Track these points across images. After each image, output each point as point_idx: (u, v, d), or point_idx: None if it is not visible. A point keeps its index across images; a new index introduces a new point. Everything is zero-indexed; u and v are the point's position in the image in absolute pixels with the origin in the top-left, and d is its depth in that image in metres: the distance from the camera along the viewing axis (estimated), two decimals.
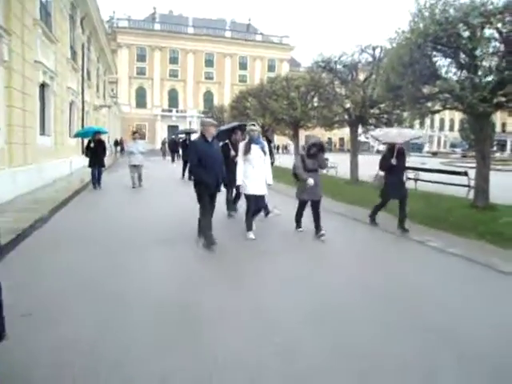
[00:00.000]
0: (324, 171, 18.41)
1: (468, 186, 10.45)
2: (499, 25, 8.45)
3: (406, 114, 13.15)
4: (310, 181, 6.13)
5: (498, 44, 8.67)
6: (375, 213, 7.39)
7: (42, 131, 12.38)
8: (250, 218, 6.22)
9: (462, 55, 9.23)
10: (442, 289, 4.28)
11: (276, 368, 2.62)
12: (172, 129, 56.96)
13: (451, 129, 76.95)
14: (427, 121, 65.19)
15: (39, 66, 11.30)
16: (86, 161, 12.86)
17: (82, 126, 18.56)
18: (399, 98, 9.74)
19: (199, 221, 5.83)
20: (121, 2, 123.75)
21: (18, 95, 9.49)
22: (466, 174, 10.77)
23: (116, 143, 35.42)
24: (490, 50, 8.80)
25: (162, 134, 54.40)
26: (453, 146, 60.70)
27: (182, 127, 57.42)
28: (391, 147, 7.03)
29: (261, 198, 6.32)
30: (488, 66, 8.95)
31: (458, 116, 68.54)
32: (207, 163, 5.41)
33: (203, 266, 4.85)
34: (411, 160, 17.65)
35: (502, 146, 61.35)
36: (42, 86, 12.20)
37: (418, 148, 58.43)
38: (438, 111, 10.08)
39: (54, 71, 13.01)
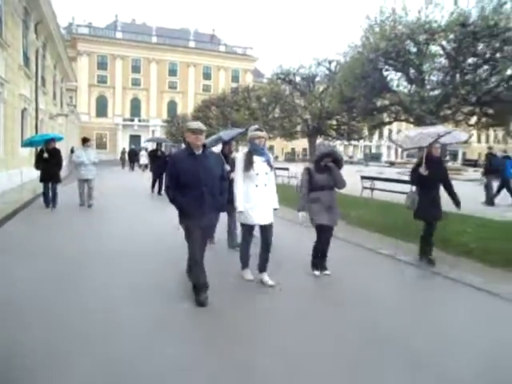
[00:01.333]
0: (280, 180, 18.58)
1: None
2: (443, 42, 8.99)
3: (361, 126, 13.65)
4: (300, 215, 4.88)
5: (442, 60, 9.22)
6: (428, 246, 5.63)
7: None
8: (247, 250, 4.72)
9: (411, 70, 9.71)
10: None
11: None
12: (134, 138, 55.92)
13: None
14: (384, 131, 67.76)
15: None
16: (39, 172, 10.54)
17: (36, 134, 17.78)
18: (353, 110, 10.09)
19: (188, 266, 4.29)
20: (80, 8, 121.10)
21: None
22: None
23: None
24: (436, 65, 9.33)
25: (123, 143, 53.14)
26: (409, 155, 63.46)
27: (144, 137, 56.63)
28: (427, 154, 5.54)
29: (269, 227, 4.57)
30: (435, 80, 9.48)
31: (412, 128, 71.61)
32: (192, 185, 3.83)
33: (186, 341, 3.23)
34: (369, 169, 18.28)
35: (454, 156, 65.10)
36: None
37: (376, 158, 60.50)
38: (389, 123, 10.53)
39: (4, 78, 12.47)
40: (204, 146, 3.97)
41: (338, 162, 4.98)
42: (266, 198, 4.49)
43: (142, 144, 52.01)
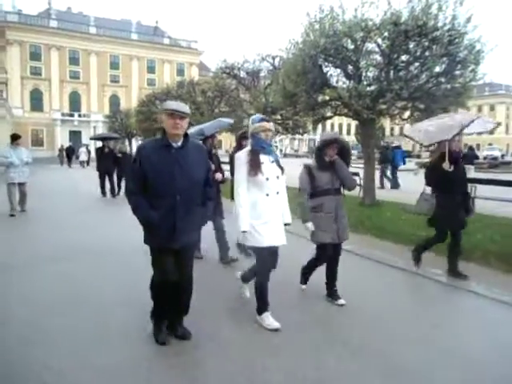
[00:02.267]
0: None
1: (359, 185, 11.39)
2: (379, 40, 9.41)
3: (305, 120, 14.01)
4: (309, 226, 3.83)
5: (378, 57, 9.65)
6: (425, 248, 4.99)
7: None
8: (265, 286, 3.42)
9: (349, 66, 10.08)
10: None
11: None
12: (74, 134, 53.31)
13: (348, 133, 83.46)
14: (327, 126, 70.14)
15: None
16: None
17: None
18: (296, 105, 10.31)
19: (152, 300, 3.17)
20: None
21: None
22: (357, 174, 11.73)
23: None
24: (372, 61, 9.75)
25: (62, 140, 50.28)
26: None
27: (85, 132, 54.18)
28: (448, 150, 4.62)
29: (276, 250, 3.48)
30: (371, 76, 9.91)
31: (353, 122, 74.81)
32: (163, 191, 2.81)
33: None
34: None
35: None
36: None
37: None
38: (330, 117, 10.87)
39: None
40: (186, 135, 2.91)
41: (345, 155, 3.90)
42: (277, 212, 3.37)
43: (84, 141, 49.87)
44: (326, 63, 10.31)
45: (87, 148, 34.63)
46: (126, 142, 33.19)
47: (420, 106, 9.80)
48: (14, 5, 53.07)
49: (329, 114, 10.63)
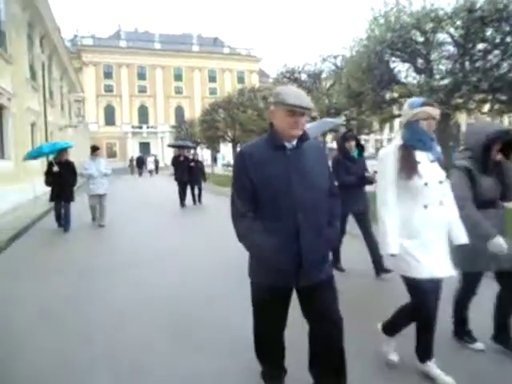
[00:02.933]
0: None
1: None
2: (451, 29, 8.76)
3: (371, 120, 13.46)
4: (501, 242, 2.56)
5: (451, 48, 8.98)
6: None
7: (2, 155, 11.92)
8: (431, 331, 2.51)
9: (419, 60, 9.50)
10: None
11: None
12: (143, 145, 56.42)
13: None
14: (395, 125, 67.05)
15: None
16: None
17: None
18: (361, 104, 9.91)
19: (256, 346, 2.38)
20: (84, 20, 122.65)
21: None
22: None
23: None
24: (444, 53, 9.10)
25: (133, 151, 53.60)
26: None
27: (153, 143, 57.22)
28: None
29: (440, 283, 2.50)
30: (444, 69, 9.24)
31: None
32: (280, 208, 2.04)
33: None
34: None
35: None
36: (0, 109, 11.78)
37: None
38: (400, 115, 10.29)
39: (11, 92, 12.59)
40: (303, 135, 2.13)
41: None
42: (443, 228, 2.45)
43: (153, 151, 52.69)
44: (393, 58, 9.83)
45: (155, 158, 37.64)
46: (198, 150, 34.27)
47: (502, 97, 8.95)
48: (88, 30, 57.79)
49: (398, 111, 10.08)
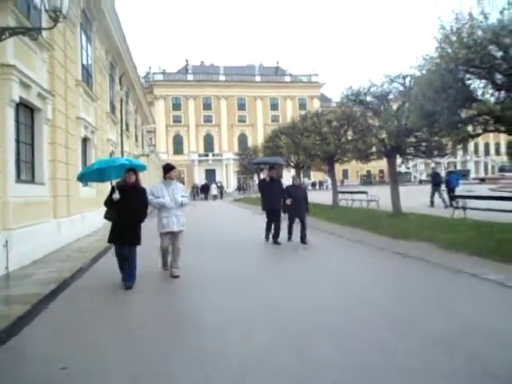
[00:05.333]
0: (358, 204, 17.92)
1: None
2: None
3: (444, 141, 12.75)
4: None
5: None
6: None
7: (86, 183, 12.94)
8: None
9: (498, 75, 8.91)
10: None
11: None
12: (209, 172, 58.62)
13: (497, 153, 73.86)
14: (470, 146, 63.01)
15: (81, 122, 12.00)
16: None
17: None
18: (435, 125, 9.44)
19: None
20: (156, 56, 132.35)
21: (61, 150, 10.05)
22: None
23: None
24: None
25: (199, 177, 55.89)
26: (501, 170, 57.98)
27: (218, 171, 59.28)
28: None
29: None
30: None
31: (504, 139, 65.97)
32: None
33: None
34: (457, 188, 17.01)
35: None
36: (84, 140, 12.90)
37: (463, 175, 56.08)
38: (478, 135, 9.64)
39: (95, 125, 13.78)
40: None
41: None
42: None
43: (218, 179, 54.44)
44: (468, 75, 9.32)
45: (220, 184, 42.75)
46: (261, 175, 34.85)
47: None
48: (159, 66, 62.29)
49: (477, 131, 9.45)
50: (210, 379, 2.94)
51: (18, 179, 7.81)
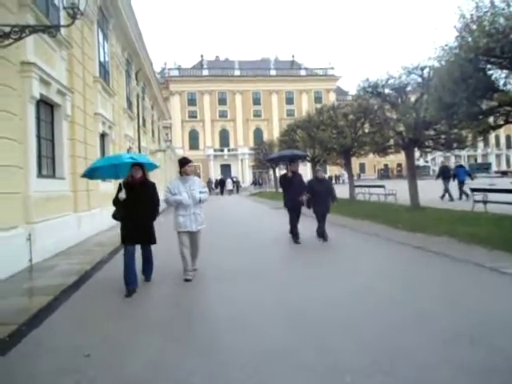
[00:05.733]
0: (375, 198, 17.76)
1: None
2: None
3: (464, 133, 12.49)
4: None
5: None
6: None
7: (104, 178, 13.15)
8: None
9: None
10: None
11: None
12: (224, 167, 58.79)
13: None
14: (491, 139, 61.47)
15: (99, 118, 12.18)
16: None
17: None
18: (454, 116, 9.25)
19: None
20: (171, 51, 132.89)
21: (80, 146, 10.24)
22: None
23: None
24: None
25: (214, 172, 56.18)
26: None
27: (234, 166, 59.36)
28: None
29: None
30: None
31: None
32: None
33: None
34: (477, 181, 16.71)
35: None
36: (102, 136, 13.10)
37: (485, 168, 54.87)
38: (499, 126, 9.42)
39: (112, 121, 13.97)
40: None
41: None
42: None
43: (233, 173, 54.62)
44: (489, 65, 9.08)
45: (235, 179, 44.50)
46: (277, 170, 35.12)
47: None
48: (175, 62, 62.57)
49: (498, 122, 9.22)
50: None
51: (40, 174, 8.00)
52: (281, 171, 40.07)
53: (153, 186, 5.73)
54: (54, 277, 5.95)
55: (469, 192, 14.83)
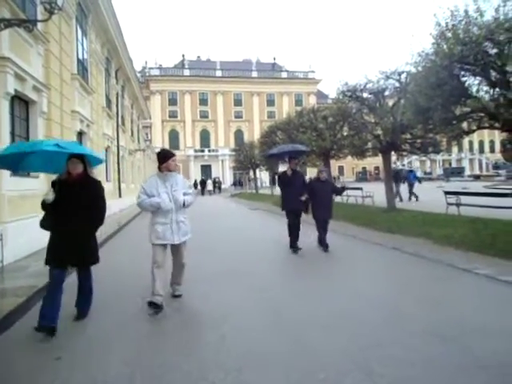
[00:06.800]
0: (353, 200, 18.08)
1: None
2: None
3: (439, 137, 12.81)
4: None
5: None
6: None
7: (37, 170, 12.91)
8: None
9: (493, 72, 8.96)
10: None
11: None
12: (205, 168, 58.47)
13: (492, 150, 74.36)
14: (465, 144, 63.22)
15: (76, 116, 11.96)
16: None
17: (118, 170, 19.07)
18: (430, 121, 9.50)
19: None
20: (152, 50, 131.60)
21: None
22: None
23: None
24: None
25: (195, 173, 55.77)
26: (496, 167, 58.36)
27: (214, 166, 59.08)
28: None
29: None
30: None
31: (498, 137, 66.44)
32: None
33: None
34: (450, 185, 17.16)
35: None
36: (80, 134, 12.86)
37: (458, 172, 56.45)
38: (472, 131, 9.71)
39: (91, 119, 13.74)
40: None
41: None
42: None
43: (214, 174, 54.36)
44: (463, 72, 9.36)
45: (216, 180, 45.47)
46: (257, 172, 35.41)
47: None
48: (156, 61, 61.96)
49: (471, 127, 9.51)
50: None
51: (13, 173, 7.78)
52: (261, 172, 40.30)
53: (97, 184, 4.26)
54: (26, 278, 5.81)
55: (418, 194, 18.36)
